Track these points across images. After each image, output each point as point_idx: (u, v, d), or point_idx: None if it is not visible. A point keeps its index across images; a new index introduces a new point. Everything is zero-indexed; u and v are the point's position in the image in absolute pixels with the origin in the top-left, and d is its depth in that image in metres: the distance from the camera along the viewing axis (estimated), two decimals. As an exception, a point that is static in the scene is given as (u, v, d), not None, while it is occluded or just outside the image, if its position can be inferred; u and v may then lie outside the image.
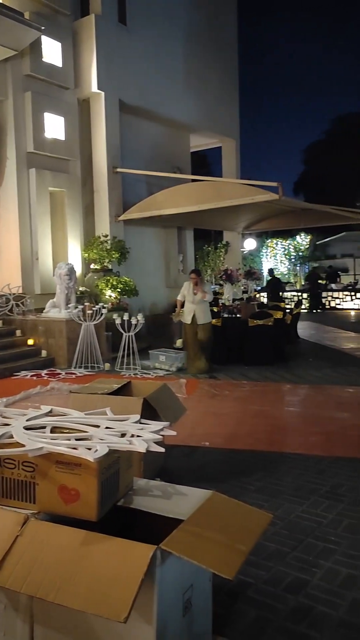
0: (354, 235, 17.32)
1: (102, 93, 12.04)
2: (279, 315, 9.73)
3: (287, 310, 11.12)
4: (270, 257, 24.33)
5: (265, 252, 24.33)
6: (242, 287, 14.18)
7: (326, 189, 30.87)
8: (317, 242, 22.61)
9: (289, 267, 24.05)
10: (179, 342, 9.77)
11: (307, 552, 3.06)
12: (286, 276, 23.83)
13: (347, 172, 27.87)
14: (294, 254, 23.89)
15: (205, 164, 28.91)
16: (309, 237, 23.99)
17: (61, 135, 11.67)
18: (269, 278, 16.11)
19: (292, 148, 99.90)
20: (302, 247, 23.88)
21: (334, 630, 2.40)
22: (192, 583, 2.02)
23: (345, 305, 19.14)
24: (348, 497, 3.81)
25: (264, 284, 23.96)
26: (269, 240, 24.37)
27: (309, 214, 13.98)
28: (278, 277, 18.45)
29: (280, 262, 24.04)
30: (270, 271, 16.78)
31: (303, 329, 14.04)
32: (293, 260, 24.00)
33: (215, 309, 10.07)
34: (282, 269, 23.97)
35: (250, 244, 16.82)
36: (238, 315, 9.96)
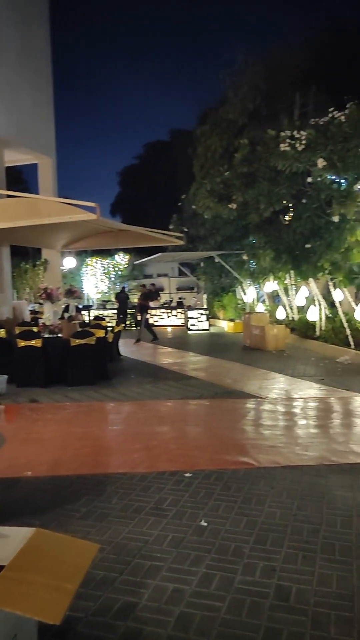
0: (168, 256, 18.26)
1: None
2: (100, 333, 9.75)
3: (109, 329, 11.21)
4: (91, 276, 24.43)
5: (85, 271, 24.35)
6: (63, 306, 13.96)
7: (141, 211, 32.23)
8: (135, 262, 23.38)
9: (109, 285, 24.42)
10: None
11: (135, 574, 3.07)
12: (107, 294, 24.14)
13: (159, 196, 29.43)
14: (114, 272, 24.35)
15: (20, 180, 27.94)
16: (128, 256, 24.69)
17: None
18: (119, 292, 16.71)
19: (109, 170, 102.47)
20: (121, 267, 24.46)
21: (163, 648, 2.43)
22: (15, 633, 1.87)
23: (162, 322, 20.03)
24: (171, 511, 3.94)
25: (85, 302, 23.95)
26: (89, 259, 24.46)
27: (126, 234, 14.32)
28: (127, 294, 19.04)
29: (100, 281, 24.27)
30: (123, 289, 17.47)
31: (123, 346, 14.31)
32: (113, 279, 24.44)
33: (35, 329, 9.70)
34: (102, 287, 24.24)
35: (70, 262, 16.66)
36: (59, 335, 9.73)
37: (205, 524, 3.71)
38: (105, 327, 9.98)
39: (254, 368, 10.49)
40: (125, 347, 13.89)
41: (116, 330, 11.65)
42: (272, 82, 13.43)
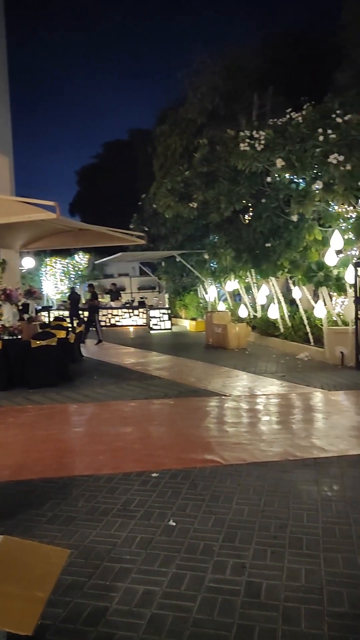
0: (129, 255, 18.14)
1: None
2: (62, 334, 9.60)
3: (70, 329, 11.05)
4: (50, 276, 24.01)
5: (45, 271, 23.91)
6: (21, 307, 13.68)
7: (101, 211, 31.91)
8: (96, 262, 23.10)
9: (69, 285, 24.06)
10: None
11: (104, 577, 3.02)
12: (66, 295, 23.77)
13: (118, 196, 29.21)
14: (74, 272, 24.00)
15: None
16: (87, 256, 24.39)
17: None
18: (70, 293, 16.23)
19: (67, 170, 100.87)
20: (81, 266, 24.13)
21: (135, 652, 2.40)
22: (-17, 646, 1.79)
23: (124, 322, 19.91)
24: (139, 512, 3.90)
25: (45, 303, 23.51)
26: (48, 259, 24.04)
27: (86, 234, 14.15)
28: (79, 294, 18.48)
29: (60, 281, 23.89)
30: (73, 290, 16.96)
31: (87, 347, 14.15)
32: (72, 278, 24.09)
33: (-7, 332, 9.44)
34: (63, 287, 23.86)
35: (28, 262, 16.31)
36: (19, 337, 9.50)
37: (174, 524, 3.69)
38: (66, 328, 9.81)
39: (217, 366, 10.55)
40: (87, 349, 13.74)
41: (78, 330, 11.49)
42: (231, 82, 13.53)
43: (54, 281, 23.93)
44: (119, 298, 19.99)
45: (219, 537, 3.49)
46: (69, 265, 24.02)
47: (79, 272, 24.17)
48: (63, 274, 23.94)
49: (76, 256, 24.27)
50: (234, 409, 7.18)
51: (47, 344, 8.83)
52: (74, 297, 17.23)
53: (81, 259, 24.27)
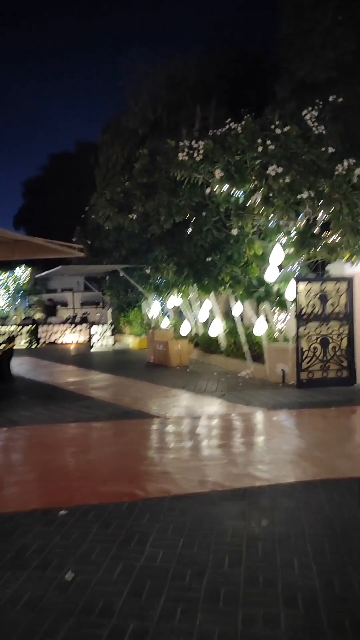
0: (70, 269, 17.43)
1: None
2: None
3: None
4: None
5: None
6: None
7: (47, 224, 30.97)
8: (37, 276, 22.21)
9: (9, 300, 23.00)
10: None
11: (-30, 655, 2.43)
12: (4, 310, 22.71)
13: (64, 208, 28.45)
14: (14, 287, 22.98)
15: None
16: (29, 270, 23.45)
17: None
18: None
19: (11, 181, 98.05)
20: (21, 281, 23.14)
21: None
22: None
23: (65, 339, 19.10)
24: (35, 561, 3.31)
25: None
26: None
27: (22, 245, 13.46)
28: None
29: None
30: None
31: (19, 365, 13.34)
32: (12, 293, 23.04)
33: None
34: (1, 302, 22.79)
35: None
36: None
37: (72, 575, 3.12)
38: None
39: (156, 385, 10.04)
40: (20, 367, 12.96)
41: (6, 348, 10.72)
42: (174, 93, 13.29)
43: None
44: (55, 314, 18.96)
45: (124, 590, 2.95)
46: (9, 279, 22.99)
47: (19, 287, 23.17)
48: (2, 288, 22.87)
49: (17, 269, 23.29)
50: (167, 432, 6.68)
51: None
52: None
53: (22, 273, 23.30)
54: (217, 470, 5.00)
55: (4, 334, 18.92)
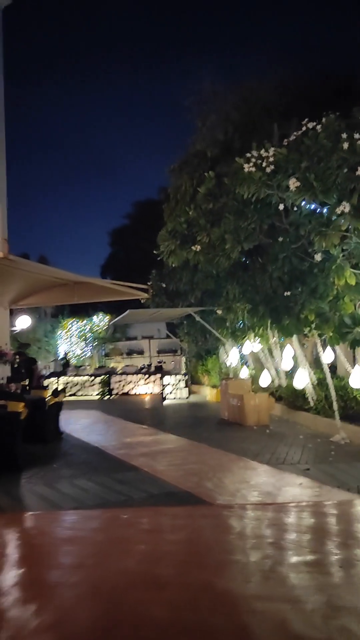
0: (137, 314, 15.99)
1: None
2: (13, 407, 7.38)
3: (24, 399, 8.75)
4: (66, 339, 22.24)
5: (60, 333, 22.21)
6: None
7: (131, 270, 30.49)
8: (111, 322, 21.18)
9: (85, 349, 22.16)
10: None
11: None
12: (81, 359, 21.83)
13: (146, 254, 27.86)
14: (91, 335, 22.14)
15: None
16: (108, 317, 22.57)
17: None
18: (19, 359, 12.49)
19: (98, 231, 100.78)
20: (99, 328, 22.27)
21: None
22: None
23: (139, 390, 17.57)
24: None
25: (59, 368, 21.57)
26: (64, 321, 22.39)
27: (82, 287, 12.33)
28: (33, 357, 14.99)
29: (75, 344, 22.04)
30: (21, 352, 13.55)
31: (80, 418, 11.95)
32: (89, 341, 22.19)
33: None
34: (78, 351, 21.97)
35: (23, 321, 14.53)
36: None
37: None
38: (22, 398, 7.57)
39: (222, 452, 8.02)
40: (79, 422, 11.52)
41: (51, 402, 9.26)
42: (247, 114, 11.80)
43: (69, 344, 22.11)
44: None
45: None
46: (86, 326, 22.22)
47: (97, 334, 22.27)
48: (78, 337, 22.10)
49: (95, 317, 22.50)
50: (211, 527, 4.63)
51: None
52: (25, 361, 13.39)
53: (100, 320, 22.45)
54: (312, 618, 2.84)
55: (76, 384, 17.87)
